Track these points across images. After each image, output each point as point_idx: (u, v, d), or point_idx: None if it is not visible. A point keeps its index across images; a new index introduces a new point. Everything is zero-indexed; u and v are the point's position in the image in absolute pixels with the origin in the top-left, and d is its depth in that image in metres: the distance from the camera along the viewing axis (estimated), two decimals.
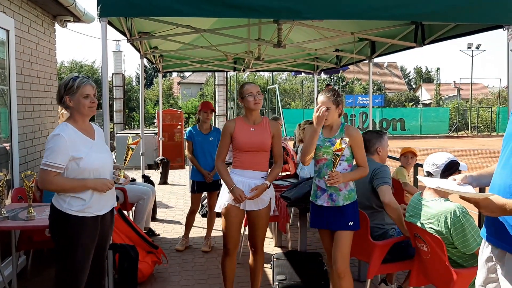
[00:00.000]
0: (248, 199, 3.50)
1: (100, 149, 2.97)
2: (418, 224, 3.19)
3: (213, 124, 5.78)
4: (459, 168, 3.24)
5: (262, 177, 3.58)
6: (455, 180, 2.23)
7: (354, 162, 3.43)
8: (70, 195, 2.81)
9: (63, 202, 2.81)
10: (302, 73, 10.49)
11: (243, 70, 9.04)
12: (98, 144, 2.98)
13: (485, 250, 2.18)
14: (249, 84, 3.61)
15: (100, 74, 4.13)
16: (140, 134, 7.54)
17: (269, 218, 3.72)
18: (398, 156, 5.43)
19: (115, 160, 4.53)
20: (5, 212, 3.56)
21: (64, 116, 4.75)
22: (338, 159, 3.11)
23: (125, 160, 3.12)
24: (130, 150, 3.13)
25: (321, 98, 3.35)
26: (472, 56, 35.54)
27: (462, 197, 2.02)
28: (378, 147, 3.90)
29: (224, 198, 3.61)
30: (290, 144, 8.86)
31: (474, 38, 42.02)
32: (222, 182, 3.52)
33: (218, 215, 6.03)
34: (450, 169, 3.21)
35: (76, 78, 2.88)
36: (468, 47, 35.38)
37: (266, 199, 3.61)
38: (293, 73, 14.04)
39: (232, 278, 3.76)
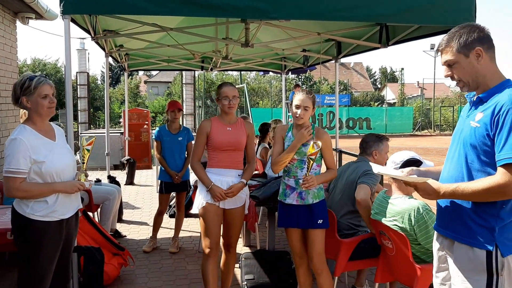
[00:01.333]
0: (228, 197, 3.51)
1: (62, 150, 2.88)
2: (383, 221, 3.25)
3: (181, 124, 5.73)
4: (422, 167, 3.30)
5: (238, 175, 3.61)
6: (402, 172, 2.35)
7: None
8: (33, 199, 2.70)
9: (25, 207, 2.70)
10: (270, 73, 10.54)
11: (211, 69, 9.00)
12: (59, 145, 2.88)
13: (436, 241, 2.31)
14: (227, 86, 3.59)
15: (64, 72, 4.03)
16: (105, 134, 7.40)
17: (243, 217, 3.74)
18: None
19: (79, 161, 4.43)
20: None
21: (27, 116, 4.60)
22: (312, 162, 3.14)
23: (83, 162, 3.06)
24: (86, 151, 3.07)
25: (301, 96, 3.37)
26: (435, 57, 36.38)
27: (404, 182, 2.21)
28: (374, 150, 3.94)
29: (201, 198, 3.57)
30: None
31: (437, 40, 43.10)
32: (192, 183, 3.51)
33: (187, 215, 6.00)
34: (413, 165, 3.28)
35: (33, 77, 2.74)
36: (431, 48, 36.27)
37: (243, 197, 3.64)
38: (261, 72, 14.10)
39: (216, 284, 3.59)
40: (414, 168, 2.38)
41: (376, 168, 2.40)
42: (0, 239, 3.91)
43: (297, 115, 3.38)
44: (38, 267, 2.73)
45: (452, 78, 2.16)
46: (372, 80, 59.30)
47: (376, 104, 40.59)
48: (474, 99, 2.16)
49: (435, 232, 2.32)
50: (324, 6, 3.61)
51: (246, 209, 3.73)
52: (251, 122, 13.41)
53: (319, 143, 3.10)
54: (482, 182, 1.96)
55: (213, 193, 3.46)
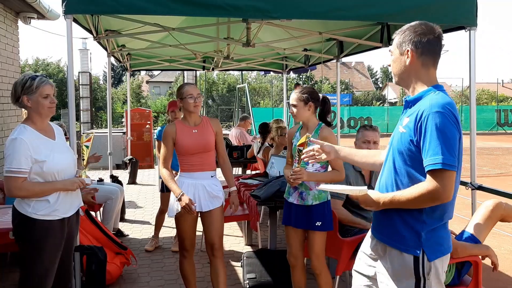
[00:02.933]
0: (204, 200, 3.46)
1: (62, 149, 2.89)
2: None
3: None
4: None
5: (211, 177, 3.53)
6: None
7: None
8: (35, 199, 2.71)
9: (27, 206, 2.70)
10: (271, 72, 10.54)
11: (212, 69, 9.02)
12: (59, 144, 2.89)
13: (369, 246, 2.29)
14: (189, 85, 3.54)
15: (66, 72, 4.04)
16: (107, 133, 7.42)
17: (223, 217, 3.61)
18: None
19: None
20: None
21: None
22: (301, 154, 3.15)
23: (83, 159, 3.07)
24: (85, 148, 3.07)
25: (292, 95, 3.44)
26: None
27: (349, 196, 2.21)
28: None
29: (175, 204, 3.47)
30: None
31: None
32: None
33: None
34: None
35: (35, 77, 2.75)
36: None
37: (220, 198, 3.54)
38: (262, 72, 14.10)
39: (194, 281, 3.69)
40: (326, 142, 2.55)
41: (321, 186, 2.42)
42: (2, 239, 3.93)
43: (291, 113, 3.46)
44: (40, 266, 2.73)
45: (389, 67, 2.24)
46: (373, 79, 59.24)
47: (377, 103, 40.56)
48: (404, 103, 2.20)
49: (370, 235, 2.32)
50: (325, 6, 3.61)
51: (224, 207, 3.63)
52: (253, 122, 13.43)
53: (309, 135, 3.12)
54: (414, 190, 1.98)
55: (182, 205, 3.31)
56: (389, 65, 2.23)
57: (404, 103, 2.19)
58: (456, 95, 41.26)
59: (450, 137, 1.92)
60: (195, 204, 3.37)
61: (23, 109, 5.99)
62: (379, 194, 2.13)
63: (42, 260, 2.73)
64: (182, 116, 3.64)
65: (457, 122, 1.96)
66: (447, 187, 1.91)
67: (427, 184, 1.94)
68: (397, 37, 2.16)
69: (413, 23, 2.13)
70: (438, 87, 2.09)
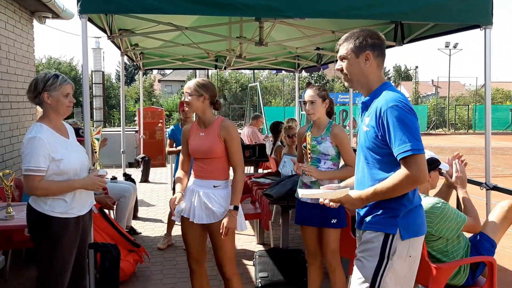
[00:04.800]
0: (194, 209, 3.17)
1: (76, 148, 2.93)
2: None
3: None
4: (440, 167, 3.26)
5: (214, 186, 3.15)
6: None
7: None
8: (51, 197, 2.73)
9: (44, 204, 2.73)
10: (283, 71, 10.53)
11: (225, 68, 9.03)
12: (73, 144, 2.92)
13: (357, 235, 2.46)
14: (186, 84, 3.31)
15: (80, 71, 4.08)
16: (120, 132, 7.48)
17: (233, 235, 3.21)
18: None
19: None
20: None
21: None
22: (305, 151, 3.25)
23: (95, 151, 3.10)
24: (96, 140, 3.10)
25: (308, 92, 3.43)
26: (450, 55, 36.12)
27: (331, 200, 2.28)
28: None
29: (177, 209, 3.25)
30: None
31: (452, 38, 42.73)
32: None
33: None
34: (430, 165, 3.25)
35: (58, 75, 2.80)
36: (446, 46, 35.94)
37: (219, 212, 3.12)
38: (274, 71, 14.09)
39: None
40: (333, 185, 2.52)
41: (300, 192, 2.47)
42: (18, 235, 3.99)
43: (307, 111, 3.42)
44: (57, 264, 2.76)
45: (342, 72, 2.34)
46: (386, 78, 58.75)
47: None
48: (360, 105, 2.37)
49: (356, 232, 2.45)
50: (339, 5, 3.60)
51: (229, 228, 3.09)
52: (264, 120, 13.41)
53: (310, 133, 3.21)
54: (393, 178, 2.12)
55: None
56: (340, 70, 2.34)
57: (361, 105, 2.36)
58: (470, 94, 40.83)
59: (410, 125, 2.09)
60: (176, 204, 3.13)
61: (37, 108, 6.06)
62: (360, 191, 2.26)
63: (59, 257, 2.76)
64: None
65: (412, 110, 2.15)
66: (422, 169, 2.08)
67: (404, 170, 2.09)
68: (347, 43, 2.29)
69: (358, 29, 2.31)
70: (388, 84, 2.30)
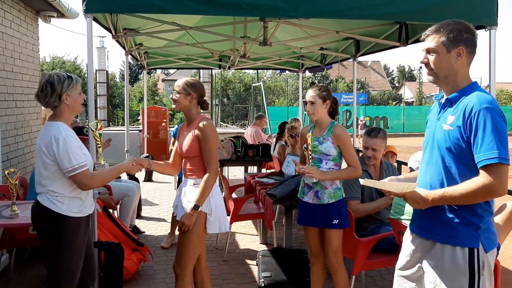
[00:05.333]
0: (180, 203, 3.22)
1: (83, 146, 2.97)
2: (402, 220, 3.24)
3: None
4: None
5: (193, 184, 3.15)
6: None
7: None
8: (68, 196, 2.73)
9: (61, 205, 2.71)
10: (287, 71, 10.53)
11: (229, 68, 9.04)
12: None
13: (412, 243, 2.26)
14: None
15: (84, 70, 4.10)
16: (124, 131, 7.50)
17: (187, 235, 3.10)
18: None
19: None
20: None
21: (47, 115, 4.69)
22: (306, 152, 3.24)
23: (99, 146, 3.13)
24: (98, 135, 3.12)
25: (309, 93, 3.43)
26: None
27: (392, 193, 2.14)
28: None
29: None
30: None
31: None
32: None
33: None
34: None
35: (70, 75, 2.83)
36: None
37: (187, 207, 3.09)
38: (277, 70, 14.09)
39: None
40: (393, 177, 2.38)
41: (362, 181, 2.34)
42: (22, 234, 4.01)
43: (308, 111, 3.43)
44: (69, 263, 2.76)
45: (426, 66, 2.15)
46: (389, 78, 58.69)
47: (393, 103, 40.24)
48: (443, 101, 2.16)
49: (410, 233, 2.28)
50: (343, 5, 3.61)
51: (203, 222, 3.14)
52: (268, 120, 13.36)
53: (310, 133, 3.23)
54: (468, 185, 1.96)
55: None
56: (426, 64, 2.14)
57: (444, 101, 2.15)
58: None
59: (502, 132, 1.93)
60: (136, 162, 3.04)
61: (42, 108, 6.08)
62: (427, 191, 2.09)
63: (71, 256, 2.76)
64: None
65: (504, 117, 1.98)
66: (503, 181, 1.92)
67: (483, 178, 1.92)
68: (438, 35, 2.08)
69: (451, 21, 2.09)
70: (477, 84, 2.11)
